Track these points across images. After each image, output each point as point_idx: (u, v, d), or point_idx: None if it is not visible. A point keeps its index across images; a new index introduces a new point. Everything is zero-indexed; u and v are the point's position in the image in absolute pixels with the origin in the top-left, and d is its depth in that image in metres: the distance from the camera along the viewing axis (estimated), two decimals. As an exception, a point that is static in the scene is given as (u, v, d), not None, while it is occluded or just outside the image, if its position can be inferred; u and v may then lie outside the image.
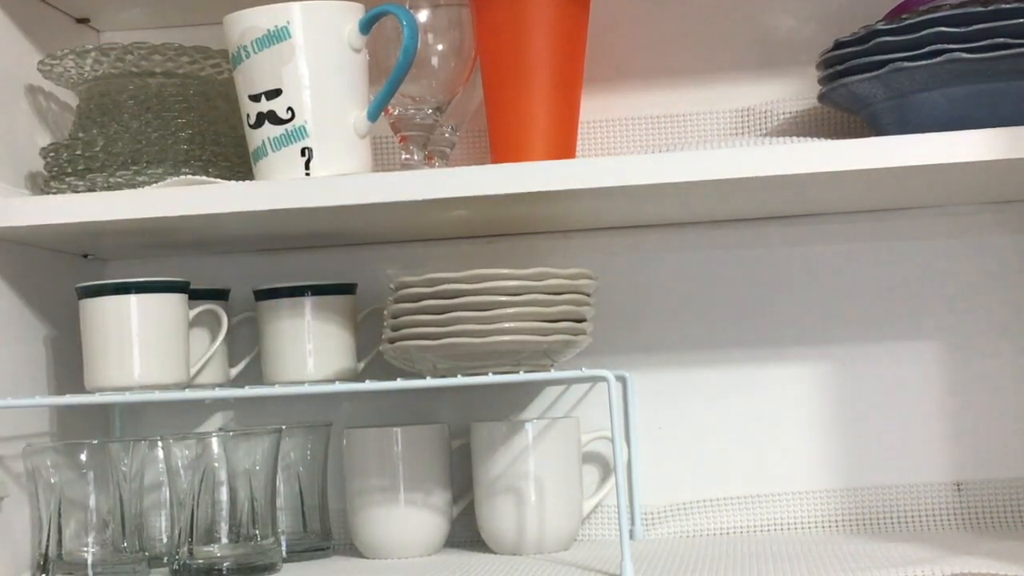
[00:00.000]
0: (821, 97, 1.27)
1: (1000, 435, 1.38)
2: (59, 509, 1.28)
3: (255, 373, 1.40)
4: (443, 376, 1.26)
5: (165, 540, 1.36)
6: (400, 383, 1.25)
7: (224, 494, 1.28)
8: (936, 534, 1.34)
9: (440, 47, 1.30)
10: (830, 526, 1.39)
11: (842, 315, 1.41)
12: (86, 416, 1.44)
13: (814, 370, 1.41)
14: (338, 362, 1.37)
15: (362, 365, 1.39)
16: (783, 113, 1.40)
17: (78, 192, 1.28)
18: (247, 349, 1.42)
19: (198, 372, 1.36)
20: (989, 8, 1.13)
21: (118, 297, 1.28)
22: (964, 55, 1.13)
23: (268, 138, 1.21)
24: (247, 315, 1.42)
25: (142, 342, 1.28)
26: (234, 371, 1.42)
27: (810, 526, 1.39)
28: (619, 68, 1.43)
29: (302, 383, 1.33)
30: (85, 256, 1.46)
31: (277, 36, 1.20)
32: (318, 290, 1.36)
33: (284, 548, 1.35)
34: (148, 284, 1.29)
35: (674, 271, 1.43)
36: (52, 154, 1.31)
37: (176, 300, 1.30)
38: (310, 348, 1.35)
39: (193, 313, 1.33)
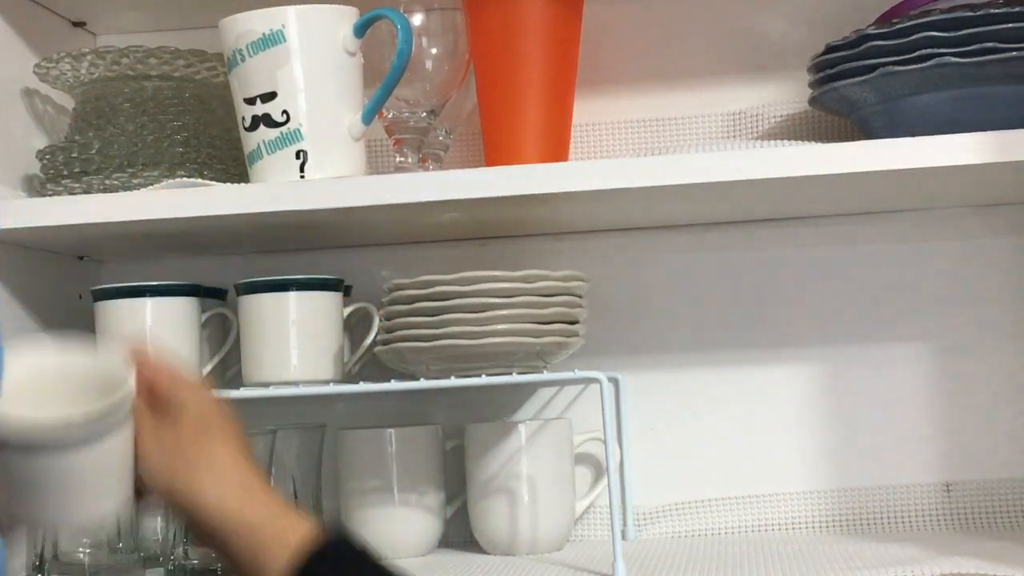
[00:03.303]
0: (812, 101, 1.28)
1: (989, 436, 1.39)
2: (54, 510, 1.28)
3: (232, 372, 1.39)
4: (437, 378, 1.27)
5: (160, 541, 1.36)
6: (394, 384, 1.25)
7: (219, 495, 1.28)
8: (926, 534, 1.35)
9: (434, 51, 1.30)
10: (821, 526, 1.39)
11: (833, 317, 1.41)
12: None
13: (805, 371, 1.42)
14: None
15: (357, 367, 1.38)
16: (774, 116, 1.41)
17: (74, 194, 1.29)
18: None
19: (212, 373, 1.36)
20: (979, 13, 1.14)
21: (276, 295, 1.29)
22: (954, 59, 1.14)
23: (263, 141, 1.22)
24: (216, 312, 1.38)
25: (300, 337, 1.29)
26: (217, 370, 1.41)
27: (801, 526, 1.39)
28: (611, 72, 1.43)
29: (296, 383, 1.30)
30: (80, 258, 1.46)
31: (272, 40, 1.20)
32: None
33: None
34: (308, 281, 1.30)
35: (666, 273, 1.43)
36: (48, 156, 1.32)
37: (331, 298, 1.32)
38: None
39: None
